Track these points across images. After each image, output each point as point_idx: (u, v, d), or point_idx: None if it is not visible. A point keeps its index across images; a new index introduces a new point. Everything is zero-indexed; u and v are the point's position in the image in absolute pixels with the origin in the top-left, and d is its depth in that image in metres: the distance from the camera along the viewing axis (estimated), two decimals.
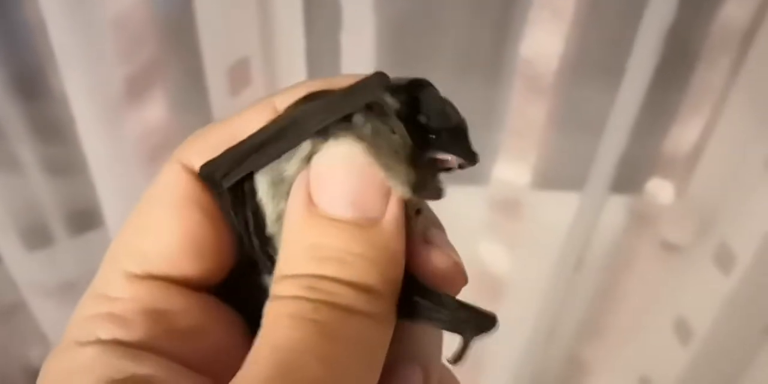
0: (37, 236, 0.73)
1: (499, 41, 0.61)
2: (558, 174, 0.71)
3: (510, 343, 0.85)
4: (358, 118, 0.23)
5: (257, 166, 0.24)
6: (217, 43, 0.58)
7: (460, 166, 0.24)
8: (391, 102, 0.23)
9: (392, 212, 0.23)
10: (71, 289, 0.77)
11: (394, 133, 0.23)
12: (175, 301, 0.24)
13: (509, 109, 0.64)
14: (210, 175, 0.24)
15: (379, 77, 0.23)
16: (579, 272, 0.78)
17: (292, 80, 0.67)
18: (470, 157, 0.24)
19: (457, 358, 0.24)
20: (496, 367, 0.87)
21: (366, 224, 0.22)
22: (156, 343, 0.23)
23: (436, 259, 0.24)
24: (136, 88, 0.57)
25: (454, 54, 0.63)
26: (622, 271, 0.81)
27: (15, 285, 0.75)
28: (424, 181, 0.23)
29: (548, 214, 0.73)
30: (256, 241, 0.24)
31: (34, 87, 0.64)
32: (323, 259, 0.22)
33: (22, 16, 0.58)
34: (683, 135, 0.72)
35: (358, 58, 0.58)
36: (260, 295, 0.23)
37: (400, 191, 0.23)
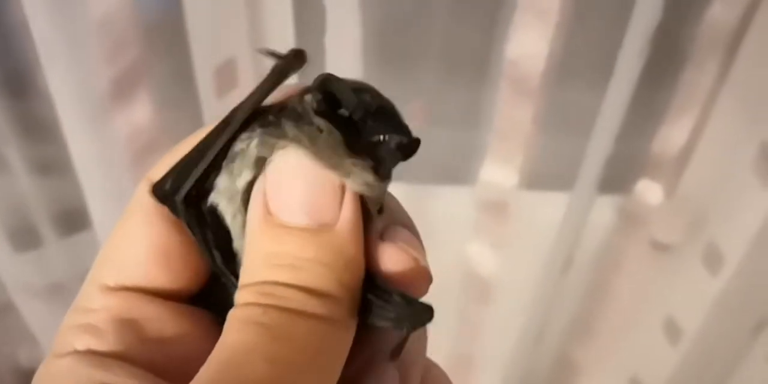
0: (24, 237, 0.73)
1: (485, 42, 0.61)
2: (546, 175, 0.71)
3: (500, 343, 0.85)
4: (287, 125, 0.23)
5: (198, 173, 0.24)
6: (205, 43, 0.58)
7: (406, 148, 0.24)
8: (309, 100, 0.23)
9: (346, 215, 0.23)
10: (59, 290, 0.77)
11: (321, 131, 0.23)
12: (147, 311, 0.24)
13: (496, 110, 0.64)
14: (161, 194, 0.24)
15: (290, 57, 0.23)
16: (568, 273, 0.79)
17: None
18: (401, 131, 0.23)
19: (396, 353, 0.24)
20: (485, 367, 0.87)
21: (320, 230, 0.22)
22: (128, 351, 0.23)
23: (392, 258, 0.24)
24: (122, 89, 0.57)
25: (440, 55, 0.62)
26: (611, 272, 0.81)
27: (3, 286, 0.75)
28: (376, 170, 0.23)
29: (536, 214, 0.73)
30: (218, 258, 0.24)
31: (21, 86, 0.64)
32: (278, 266, 0.22)
33: (6, 16, 0.58)
34: (672, 136, 0.72)
35: (345, 60, 0.58)
36: (231, 306, 0.23)
37: (353, 188, 0.23)
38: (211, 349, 0.24)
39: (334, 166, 0.22)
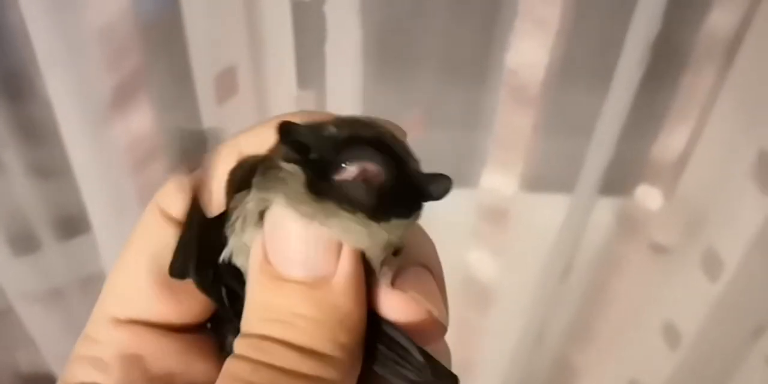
0: (23, 242, 0.72)
1: (485, 49, 0.61)
2: (545, 179, 0.71)
3: (499, 347, 0.85)
4: (267, 181, 0.22)
5: (193, 250, 0.24)
6: (205, 50, 0.58)
7: (416, 191, 0.22)
8: (286, 152, 0.22)
9: (343, 268, 0.22)
10: (58, 295, 0.77)
11: (291, 182, 0.22)
12: (154, 346, 0.24)
13: (496, 116, 0.64)
14: (179, 273, 0.24)
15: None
16: (567, 277, 0.79)
17: (280, 89, 0.67)
18: (374, 159, 0.21)
19: None
20: (485, 371, 0.87)
21: (316, 284, 0.22)
22: None
23: (399, 309, 0.22)
24: (122, 95, 0.57)
25: (440, 62, 0.62)
26: (610, 276, 0.81)
27: (2, 291, 0.75)
28: (362, 210, 0.21)
29: (536, 220, 0.73)
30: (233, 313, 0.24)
31: (20, 90, 0.64)
32: (271, 321, 0.22)
33: (6, 21, 0.58)
34: (671, 141, 0.72)
35: (344, 67, 0.58)
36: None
37: (349, 243, 0.22)
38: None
39: (311, 217, 0.21)
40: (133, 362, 0.24)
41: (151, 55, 0.57)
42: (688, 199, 0.75)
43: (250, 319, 0.22)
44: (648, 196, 0.76)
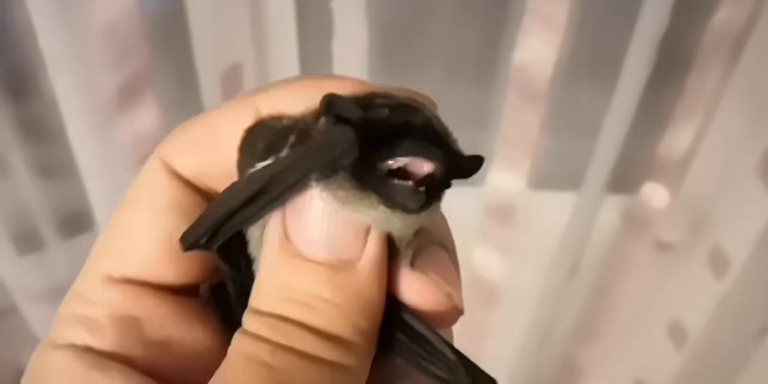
0: (28, 240, 0.72)
1: (492, 46, 0.61)
2: (552, 178, 0.70)
3: (505, 346, 0.85)
4: (303, 160, 0.21)
5: (230, 232, 0.22)
6: (210, 48, 0.57)
7: (450, 173, 0.21)
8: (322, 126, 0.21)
9: (369, 253, 0.21)
10: (63, 293, 0.77)
11: (333, 167, 0.20)
12: (151, 308, 0.23)
13: (503, 113, 0.64)
14: (190, 244, 0.23)
15: (342, 133, 0.20)
16: (574, 276, 0.78)
17: None
18: (431, 157, 0.20)
19: None
20: (491, 370, 0.87)
21: (340, 266, 0.21)
22: (128, 352, 0.22)
23: (422, 294, 0.22)
24: (128, 94, 0.57)
25: (447, 60, 0.62)
26: (616, 275, 0.81)
27: (6, 289, 0.75)
28: (395, 202, 0.20)
29: (542, 218, 0.73)
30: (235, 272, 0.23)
31: (25, 90, 0.64)
32: (291, 302, 0.21)
33: (11, 18, 0.57)
34: (677, 139, 0.72)
35: (351, 64, 0.57)
36: (242, 309, 0.22)
37: (375, 227, 0.21)
38: (212, 350, 0.23)
39: (345, 202, 0.20)
40: (128, 325, 0.23)
41: (157, 54, 0.57)
42: (694, 197, 0.75)
43: (266, 297, 0.21)
44: (654, 194, 0.76)
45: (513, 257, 0.76)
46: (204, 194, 0.24)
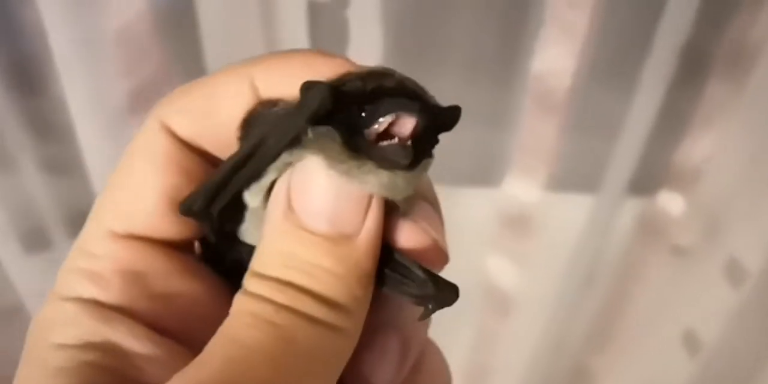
0: (35, 239, 0.72)
1: (510, 51, 0.60)
2: (568, 187, 0.70)
3: (517, 352, 0.84)
4: (307, 133, 0.22)
5: (229, 195, 0.24)
6: (222, 53, 0.57)
7: (434, 127, 0.22)
8: (314, 111, 0.22)
9: (368, 229, 0.23)
10: None
11: (331, 138, 0.22)
12: (154, 263, 0.24)
13: (519, 121, 0.64)
14: (190, 210, 0.24)
15: (317, 92, 0.22)
16: (589, 283, 0.78)
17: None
18: (409, 109, 0.22)
19: (422, 318, 0.24)
20: (503, 376, 0.87)
21: (340, 240, 0.22)
22: (132, 306, 0.23)
23: (411, 237, 0.24)
24: (138, 95, 0.57)
25: (462, 69, 0.62)
26: (630, 282, 0.81)
27: (14, 288, 0.75)
28: (392, 163, 0.22)
29: (558, 225, 0.72)
30: (245, 249, 0.24)
31: (36, 89, 0.64)
32: (293, 268, 0.22)
33: (22, 21, 0.57)
34: (694, 146, 0.71)
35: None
36: (242, 266, 0.23)
37: (385, 196, 0.22)
38: (214, 306, 0.24)
39: (347, 174, 0.22)
40: (133, 279, 0.24)
41: (168, 56, 0.57)
42: (710, 204, 0.74)
43: (270, 263, 0.22)
44: (670, 201, 0.75)
45: (527, 265, 0.75)
46: (201, 155, 0.25)
